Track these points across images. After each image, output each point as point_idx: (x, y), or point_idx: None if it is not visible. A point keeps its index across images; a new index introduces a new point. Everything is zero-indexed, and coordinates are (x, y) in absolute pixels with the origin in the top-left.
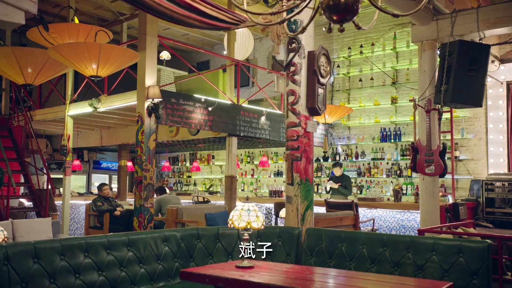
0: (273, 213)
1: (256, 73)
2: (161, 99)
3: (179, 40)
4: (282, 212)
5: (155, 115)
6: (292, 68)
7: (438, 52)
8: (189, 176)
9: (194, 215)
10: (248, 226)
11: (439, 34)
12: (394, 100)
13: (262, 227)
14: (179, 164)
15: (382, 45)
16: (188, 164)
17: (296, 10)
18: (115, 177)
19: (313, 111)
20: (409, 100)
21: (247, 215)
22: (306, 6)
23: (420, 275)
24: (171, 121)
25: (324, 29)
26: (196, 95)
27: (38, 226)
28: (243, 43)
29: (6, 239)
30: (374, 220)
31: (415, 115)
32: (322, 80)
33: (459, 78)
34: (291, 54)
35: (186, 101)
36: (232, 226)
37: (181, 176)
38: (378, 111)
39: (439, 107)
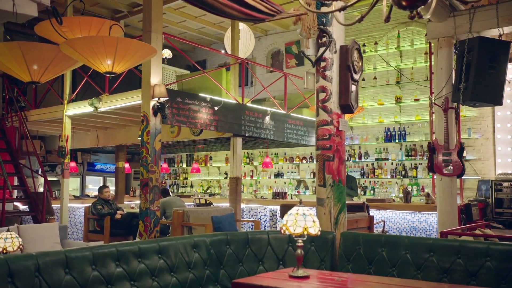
0: (278, 215)
1: (254, 72)
2: (167, 98)
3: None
4: None
5: (161, 115)
6: (322, 64)
7: (454, 49)
8: (186, 178)
9: (199, 218)
10: (305, 232)
11: (456, 30)
12: (398, 100)
13: (319, 233)
14: (175, 166)
15: (386, 44)
16: (184, 166)
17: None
18: (109, 179)
19: (346, 108)
20: (414, 100)
21: (303, 220)
22: None
23: (473, 282)
24: (177, 121)
25: None
26: (201, 94)
27: (45, 231)
28: (244, 42)
29: (21, 246)
30: (384, 222)
31: (431, 114)
32: (355, 76)
33: (479, 75)
34: (322, 49)
35: (192, 100)
36: (286, 232)
37: (178, 177)
38: (382, 110)
39: (456, 105)
